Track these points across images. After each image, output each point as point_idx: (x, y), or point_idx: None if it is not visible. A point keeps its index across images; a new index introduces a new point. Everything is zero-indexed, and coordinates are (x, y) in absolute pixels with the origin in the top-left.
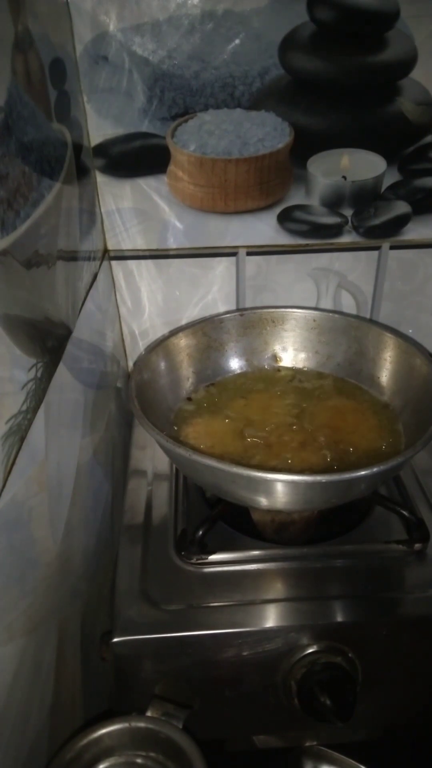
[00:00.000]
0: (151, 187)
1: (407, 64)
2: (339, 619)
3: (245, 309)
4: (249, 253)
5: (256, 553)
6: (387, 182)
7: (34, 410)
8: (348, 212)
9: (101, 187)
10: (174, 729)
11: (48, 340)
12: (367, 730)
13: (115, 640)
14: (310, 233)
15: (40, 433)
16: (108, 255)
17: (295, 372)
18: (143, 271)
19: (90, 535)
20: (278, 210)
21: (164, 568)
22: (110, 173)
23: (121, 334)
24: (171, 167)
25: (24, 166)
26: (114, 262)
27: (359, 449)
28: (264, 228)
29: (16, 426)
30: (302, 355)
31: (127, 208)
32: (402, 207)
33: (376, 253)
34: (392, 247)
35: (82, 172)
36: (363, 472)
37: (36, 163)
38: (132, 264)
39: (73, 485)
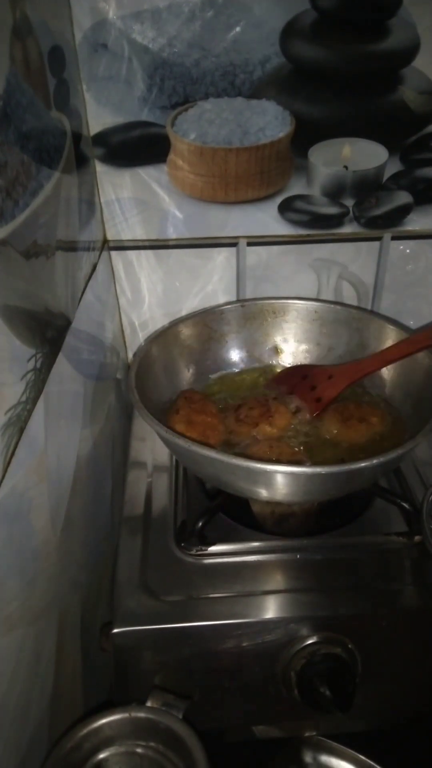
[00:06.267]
0: (150, 176)
1: (410, 52)
2: (339, 610)
3: (246, 300)
4: (249, 244)
5: (255, 544)
6: (389, 172)
7: (33, 401)
8: (349, 202)
9: (101, 176)
10: (174, 719)
11: (47, 331)
12: (366, 721)
13: (115, 630)
14: (311, 223)
15: (39, 424)
16: (107, 245)
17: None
18: (143, 261)
19: (90, 526)
20: (279, 200)
21: (164, 559)
22: (110, 162)
23: (121, 325)
24: (171, 156)
25: (23, 154)
26: (113, 253)
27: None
28: (265, 218)
29: (16, 417)
30: (303, 347)
31: (126, 197)
32: (403, 197)
33: (377, 243)
34: (394, 238)
35: (81, 162)
36: (363, 464)
37: (35, 152)
38: (132, 254)
39: (72, 476)
